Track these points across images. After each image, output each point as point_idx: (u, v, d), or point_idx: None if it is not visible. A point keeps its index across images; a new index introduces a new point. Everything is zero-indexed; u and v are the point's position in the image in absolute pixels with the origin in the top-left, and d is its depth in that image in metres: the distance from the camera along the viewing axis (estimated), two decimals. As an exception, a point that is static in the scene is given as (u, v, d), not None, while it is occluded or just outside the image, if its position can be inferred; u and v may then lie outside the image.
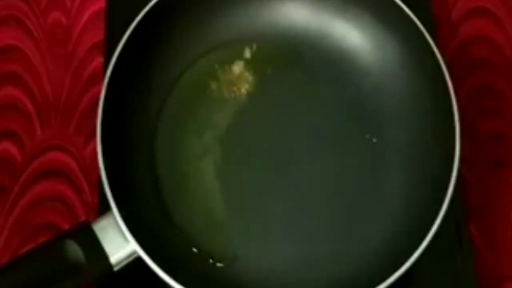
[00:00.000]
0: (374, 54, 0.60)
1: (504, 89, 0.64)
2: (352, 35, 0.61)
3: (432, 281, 0.57)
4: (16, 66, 0.64)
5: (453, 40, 0.66)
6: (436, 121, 0.56)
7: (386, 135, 0.58)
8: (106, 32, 0.64)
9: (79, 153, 0.61)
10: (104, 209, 0.57)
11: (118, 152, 0.54)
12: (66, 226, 0.59)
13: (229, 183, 0.57)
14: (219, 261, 0.55)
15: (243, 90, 0.60)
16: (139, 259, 0.50)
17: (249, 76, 0.61)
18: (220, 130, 0.59)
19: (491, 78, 0.64)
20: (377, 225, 0.55)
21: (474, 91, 0.64)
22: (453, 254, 0.57)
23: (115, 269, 0.50)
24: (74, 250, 0.49)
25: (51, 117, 0.63)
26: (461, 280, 0.57)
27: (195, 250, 0.55)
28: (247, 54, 0.61)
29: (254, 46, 0.62)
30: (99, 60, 0.64)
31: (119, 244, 0.50)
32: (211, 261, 0.55)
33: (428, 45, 0.56)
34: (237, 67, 0.61)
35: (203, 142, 0.59)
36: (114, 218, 0.50)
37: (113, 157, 0.53)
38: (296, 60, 0.61)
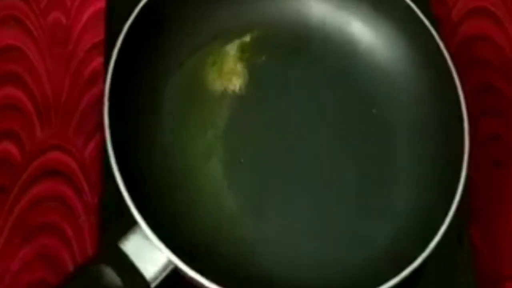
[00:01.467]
0: (382, 49, 0.60)
1: (504, 88, 0.64)
2: (355, 26, 0.61)
3: (432, 281, 0.57)
4: (16, 66, 0.64)
5: (453, 40, 0.66)
6: (443, 122, 0.56)
7: (395, 136, 0.58)
8: (106, 32, 0.64)
9: (79, 153, 0.61)
10: (104, 209, 0.58)
11: (132, 160, 0.53)
12: (66, 226, 0.59)
13: (237, 180, 0.57)
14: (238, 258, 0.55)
15: (245, 78, 0.60)
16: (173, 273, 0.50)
17: (251, 64, 0.61)
18: (224, 120, 0.59)
19: (491, 77, 0.65)
20: (383, 226, 0.55)
21: (474, 91, 0.64)
22: (453, 254, 0.57)
23: (152, 286, 0.49)
24: (108, 273, 0.48)
25: (51, 117, 0.63)
26: (461, 280, 0.57)
27: (218, 250, 0.55)
28: (251, 42, 0.61)
29: (257, 33, 0.61)
30: (99, 60, 0.64)
31: (151, 258, 0.49)
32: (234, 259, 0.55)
33: (435, 41, 0.56)
34: (240, 55, 0.61)
35: (206, 137, 0.58)
36: (141, 233, 0.49)
37: (128, 166, 0.52)
38: (300, 49, 0.61)
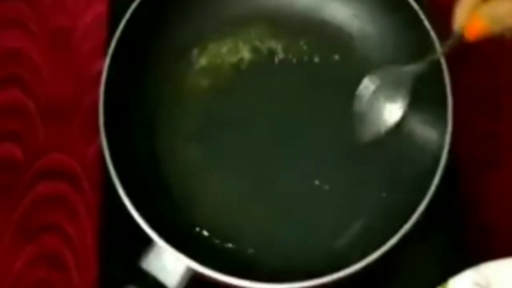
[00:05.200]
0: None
1: (503, 86, 0.64)
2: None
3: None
4: (19, 68, 0.65)
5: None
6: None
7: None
8: (108, 34, 0.64)
9: (81, 154, 0.62)
10: (105, 209, 0.58)
11: (138, 179, 0.55)
12: (68, 227, 0.60)
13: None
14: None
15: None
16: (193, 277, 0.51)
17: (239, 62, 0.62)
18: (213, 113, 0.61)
19: (490, 75, 0.65)
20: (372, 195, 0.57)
21: (472, 88, 0.64)
22: (452, 251, 0.57)
23: None
24: None
25: (53, 118, 0.63)
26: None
27: (231, 245, 0.56)
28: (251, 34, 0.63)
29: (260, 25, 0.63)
30: (101, 62, 0.64)
31: (171, 269, 0.50)
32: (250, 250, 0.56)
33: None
34: (229, 55, 0.62)
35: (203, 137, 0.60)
36: (157, 249, 0.51)
37: (136, 188, 0.53)
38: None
